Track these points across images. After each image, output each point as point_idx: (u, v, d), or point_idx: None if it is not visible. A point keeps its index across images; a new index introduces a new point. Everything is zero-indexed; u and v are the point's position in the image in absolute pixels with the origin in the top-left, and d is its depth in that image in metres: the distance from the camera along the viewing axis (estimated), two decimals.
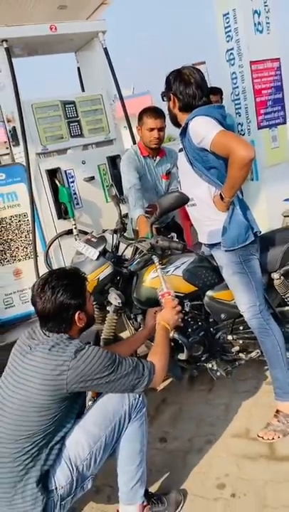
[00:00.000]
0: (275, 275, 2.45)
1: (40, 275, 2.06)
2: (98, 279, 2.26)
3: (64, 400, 1.67)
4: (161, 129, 3.05)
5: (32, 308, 3.74)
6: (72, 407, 1.76)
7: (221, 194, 2.17)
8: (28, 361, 1.68)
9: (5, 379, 1.74)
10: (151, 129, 3.03)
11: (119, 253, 2.52)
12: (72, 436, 1.75)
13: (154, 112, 3.02)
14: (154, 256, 2.25)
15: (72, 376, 1.63)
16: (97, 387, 1.73)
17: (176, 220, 3.54)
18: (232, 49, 4.49)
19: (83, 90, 4.38)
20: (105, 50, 3.88)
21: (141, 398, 1.84)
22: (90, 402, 2.04)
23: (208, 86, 4.65)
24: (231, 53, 4.53)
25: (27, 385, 1.64)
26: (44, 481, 1.67)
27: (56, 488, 1.68)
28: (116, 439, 1.80)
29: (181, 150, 2.30)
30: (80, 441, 1.73)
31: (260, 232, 2.35)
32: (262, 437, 2.29)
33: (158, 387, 1.81)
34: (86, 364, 1.65)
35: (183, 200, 2.06)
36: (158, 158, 3.21)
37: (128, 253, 2.63)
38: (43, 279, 1.81)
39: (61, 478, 1.69)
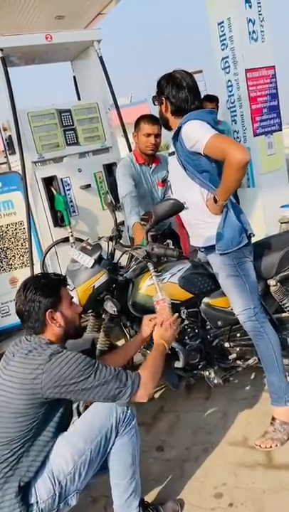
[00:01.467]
0: (271, 282, 2.44)
1: None
2: (93, 287, 2.24)
3: (41, 406, 1.63)
4: (158, 136, 3.07)
5: None
6: (50, 414, 1.70)
7: (214, 197, 2.17)
8: (9, 367, 1.67)
9: None
10: (148, 135, 3.04)
11: (115, 260, 2.51)
12: (56, 448, 1.70)
13: (151, 118, 3.04)
14: (149, 263, 2.24)
15: (46, 380, 1.59)
16: (74, 395, 1.65)
17: (172, 227, 3.54)
18: (227, 57, 4.53)
19: (79, 99, 4.40)
20: (101, 58, 3.91)
21: (129, 411, 1.80)
22: (82, 409, 2.02)
23: (206, 94, 4.69)
24: (226, 61, 4.57)
25: (7, 390, 1.62)
26: (24, 493, 1.63)
27: (37, 502, 1.63)
28: (102, 453, 1.75)
29: (171, 154, 2.30)
30: (64, 455, 1.68)
31: (254, 234, 2.35)
32: (259, 446, 2.27)
33: (145, 400, 1.76)
34: (61, 367, 1.60)
35: (178, 208, 2.06)
36: (154, 165, 3.22)
37: (124, 260, 2.62)
38: (23, 282, 1.81)
39: (43, 492, 1.63)
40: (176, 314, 2.18)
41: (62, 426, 1.77)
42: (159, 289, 2.17)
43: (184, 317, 2.40)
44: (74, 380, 1.61)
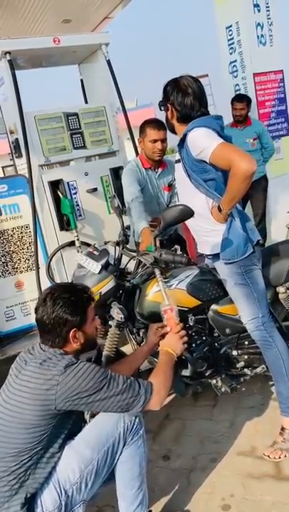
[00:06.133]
0: (280, 289, 2.41)
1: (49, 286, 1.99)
2: (100, 293, 2.22)
3: (53, 418, 1.60)
4: (164, 141, 3.03)
5: (33, 321, 3.69)
6: (61, 426, 1.66)
7: (219, 206, 2.14)
8: (21, 376, 1.63)
9: (2, 393, 1.69)
10: (155, 141, 3.00)
11: (122, 266, 2.48)
12: (63, 457, 1.66)
13: (157, 123, 2.99)
14: (156, 269, 2.21)
15: (61, 392, 1.56)
16: (88, 406, 1.62)
17: (178, 232, 3.51)
18: (235, 61, 4.52)
19: (86, 102, 4.38)
20: (108, 62, 3.89)
21: (137, 420, 1.77)
22: (88, 418, 1.98)
23: (237, 94, 4.54)
24: (234, 65, 4.56)
25: (18, 400, 1.59)
26: (30, 503, 1.59)
27: None
28: (110, 463, 1.71)
29: (178, 161, 2.28)
30: (71, 464, 1.64)
31: (262, 240, 2.31)
32: (268, 456, 2.23)
33: (157, 408, 1.74)
34: (76, 379, 1.57)
35: (187, 214, 2.02)
36: (160, 170, 3.19)
37: (131, 266, 2.59)
38: (48, 289, 1.77)
39: (48, 502, 1.60)
40: (182, 324, 2.10)
41: (73, 435, 1.74)
42: (166, 297, 2.13)
43: (191, 324, 2.37)
44: (89, 392, 1.58)
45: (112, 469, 1.76)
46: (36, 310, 1.74)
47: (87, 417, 2.00)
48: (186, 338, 2.04)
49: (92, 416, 1.94)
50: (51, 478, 1.63)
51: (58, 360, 1.63)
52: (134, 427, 1.76)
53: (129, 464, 1.76)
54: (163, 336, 2.09)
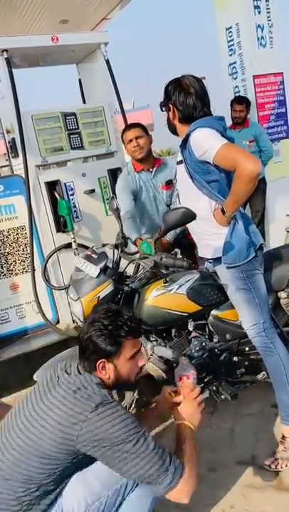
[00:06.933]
0: (282, 294, 2.36)
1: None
2: (98, 297, 2.16)
3: (70, 456, 1.45)
4: (139, 137, 3.09)
5: (28, 324, 3.63)
6: (76, 468, 1.52)
7: (222, 208, 2.09)
8: (51, 398, 1.50)
9: (27, 404, 1.55)
10: (130, 141, 3.10)
11: (121, 269, 2.43)
12: (71, 486, 1.52)
13: (128, 125, 3.18)
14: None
15: (85, 430, 1.41)
16: (106, 458, 1.43)
17: (186, 233, 3.47)
18: (235, 63, 4.48)
19: (84, 102, 4.33)
20: (107, 61, 3.85)
21: None
22: None
23: (237, 96, 4.51)
24: (234, 67, 4.52)
25: (41, 423, 1.46)
26: None
27: None
28: (119, 501, 1.54)
29: (179, 162, 2.23)
30: (78, 495, 1.50)
31: (264, 244, 2.26)
32: (269, 466, 2.18)
33: (185, 501, 1.50)
34: (105, 422, 1.40)
35: (189, 217, 1.97)
36: (154, 169, 3.18)
37: (130, 269, 2.54)
38: (100, 308, 1.68)
39: None
40: (198, 389, 1.78)
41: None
42: (182, 362, 1.87)
43: (191, 329, 2.32)
44: (112, 442, 1.41)
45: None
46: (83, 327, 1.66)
47: None
48: (203, 405, 1.75)
49: None
50: (54, 505, 1.51)
51: (94, 393, 1.47)
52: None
53: (137, 505, 1.57)
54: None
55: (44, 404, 1.50)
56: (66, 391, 1.49)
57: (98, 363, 1.57)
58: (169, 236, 3.08)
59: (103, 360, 1.57)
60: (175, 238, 3.19)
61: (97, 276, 2.18)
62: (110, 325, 1.59)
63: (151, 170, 3.19)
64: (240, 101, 4.30)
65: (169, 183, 3.22)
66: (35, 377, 2.17)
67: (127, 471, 1.43)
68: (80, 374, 1.58)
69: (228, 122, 4.36)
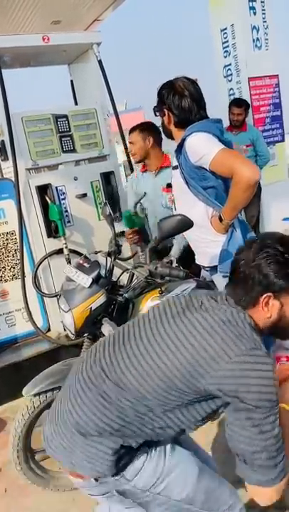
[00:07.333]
0: None
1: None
2: (91, 308, 2.07)
3: (194, 393, 1.25)
4: (133, 143, 3.04)
5: (18, 333, 3.50)
6: (188, 419, 1.33)
7: (220, 216, 2.02)
8: (195, 317, 1.30)
9: (160, 316, 1.38)
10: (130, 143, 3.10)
11: (114, 277, 2.34)
12: (183, 471, 1.41)
13: (132, 128, 3.10)
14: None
15: (223, 371, 1.20)
16: (235, 413, 1.22)
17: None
18: (230, 65, 4.42)
19: (76, 104, 4.25)
20: (100, 62, 3.77)
21: (243, 507, 1.56)
22: None
23: (235, 98, 4.46)
24: (229, 69, 4.46)
25: (177, 344, 1.27)
26: (122, 455, 1.33)
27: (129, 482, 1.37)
28: None
29: (175, 168, 2.16)
30: (187, 486, 1.41)
31: None
32: None
33: (269, 503, 1.34)
34: (248, 375, 1.19)
35: (186, 224, 1.89)
36: (157, 170, 3.10)
37: (124, 278, 2.45)
38: (262, 235, 1.47)
39: (140, 482, 1.37)
40: None
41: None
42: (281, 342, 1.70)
43: None
44: (246, 400, 1.19)
45: None
46: (238, 253, 1.40)
47: None
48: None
49: None
50: (160, 466, 1.39)
51: (246, 335, 1.25)
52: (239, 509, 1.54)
53: None
54: None
55: (185, 322, 1.31)
56: (216, 319, 1.28)
57: (263, 297, 1.31)
58: (174, 254, 2.88)
59: (269, 294, 1.31)
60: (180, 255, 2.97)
61: (89, 287, 2.09)
62: (286, 254, 1.30)
63: (154, 171, 3.12)
64: (238, 104, 4.22)
65: (170, 186, 3.15)
66: (24, 392, 2.08)
67: (236, 438, 1.23)
68: (230, 305, 1.35)
69: (225, 124, 4.30)
